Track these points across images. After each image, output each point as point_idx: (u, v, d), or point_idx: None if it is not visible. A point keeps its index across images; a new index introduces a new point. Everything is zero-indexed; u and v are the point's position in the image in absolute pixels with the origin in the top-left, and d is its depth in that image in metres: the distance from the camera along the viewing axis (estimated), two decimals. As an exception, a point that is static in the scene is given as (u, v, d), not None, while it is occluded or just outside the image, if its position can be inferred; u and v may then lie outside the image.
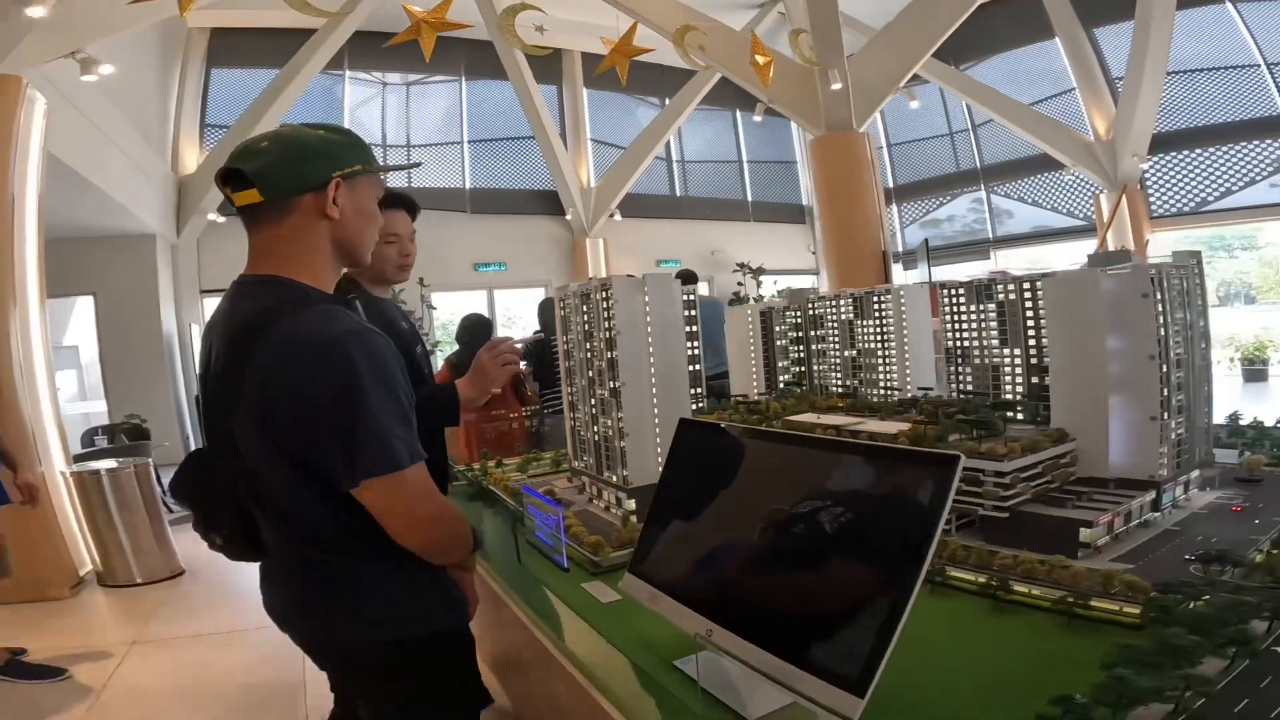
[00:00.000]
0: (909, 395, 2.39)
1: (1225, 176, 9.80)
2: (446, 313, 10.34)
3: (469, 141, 10.65)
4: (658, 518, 1.39)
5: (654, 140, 10.46)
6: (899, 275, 10.57)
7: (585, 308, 2.33)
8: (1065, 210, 11.58)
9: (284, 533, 1.19)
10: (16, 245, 4.16)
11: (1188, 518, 1.68)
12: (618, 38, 5.40)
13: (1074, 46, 10.35)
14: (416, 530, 1.15)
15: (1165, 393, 1.65)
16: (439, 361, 6.35)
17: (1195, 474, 1.80)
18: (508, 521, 2.20)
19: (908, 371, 2.52)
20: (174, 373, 8.45)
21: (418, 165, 1.63)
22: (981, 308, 2.11)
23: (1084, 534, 1.44)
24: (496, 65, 9.25)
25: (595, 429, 2.35)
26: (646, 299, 2.17)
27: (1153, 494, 1.63)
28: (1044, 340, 1.91)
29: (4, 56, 3.70)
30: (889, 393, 2.45)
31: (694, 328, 2.57)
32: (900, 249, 13.69)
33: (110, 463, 4.55)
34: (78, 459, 4.80)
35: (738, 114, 12.78)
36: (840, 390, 2.69)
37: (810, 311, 2.85)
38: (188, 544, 4.51)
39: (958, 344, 2.20)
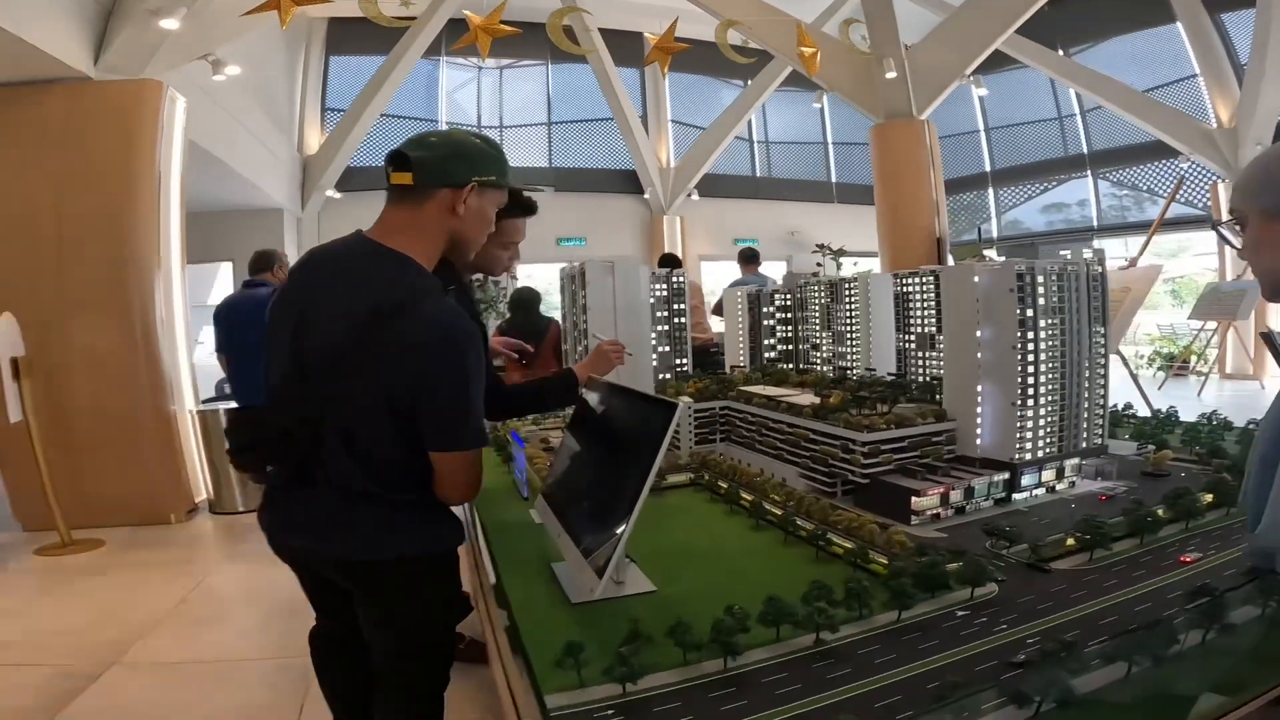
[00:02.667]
0: (861, 375, 2.64)
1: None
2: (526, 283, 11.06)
3: (553, 123, 11.20)
4: (560, 452, 1.81)
5: (734, 121, 10.60)
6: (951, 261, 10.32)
7: (572, 287, 2.74)
8: (1181, 199, 10.74)
9: (353, 466, 1.36)
10: (161, 219, 5.05)
11: (1051, 502, 1.85)
12: (703, 20, 5.65)
13: (1196, 31, 9.59)
14: (460, 490, 1.44)
15: (1027, 381, 1.86)
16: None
17: (1075, 461, 1.97)
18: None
19: (871, 354, 2.75)
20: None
21: (549, 189, 1.99)
22: (924, 297, 2.35)
23: (914, 502, 1.71)
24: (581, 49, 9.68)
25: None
26: (615, 282, 2.54)
27: (1006, 475, 1.85)
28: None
29: (146, 63, 4.51)
30: (836, 370, 2.71)
31: (680, 305, 2.94)
32: (995, 234, 13.15)
33: (231, 404, 5.38)
34: (205, 402, 5.67)
35: (824, 97, 12.62)
36: (808, 368, 2.96)
37: (799, 295, 3.12)
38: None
39: (906, 329, 2.44)
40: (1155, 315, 11.91)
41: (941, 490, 1.76)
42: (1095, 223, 11.90)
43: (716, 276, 11.50)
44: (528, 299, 5.06)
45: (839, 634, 1.14)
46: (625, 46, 9.67)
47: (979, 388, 1.93)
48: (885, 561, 1.41)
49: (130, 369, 4.84)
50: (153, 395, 4.94)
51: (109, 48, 4.43)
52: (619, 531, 1.23)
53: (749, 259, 6.64)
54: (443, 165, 1.40)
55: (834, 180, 12.99)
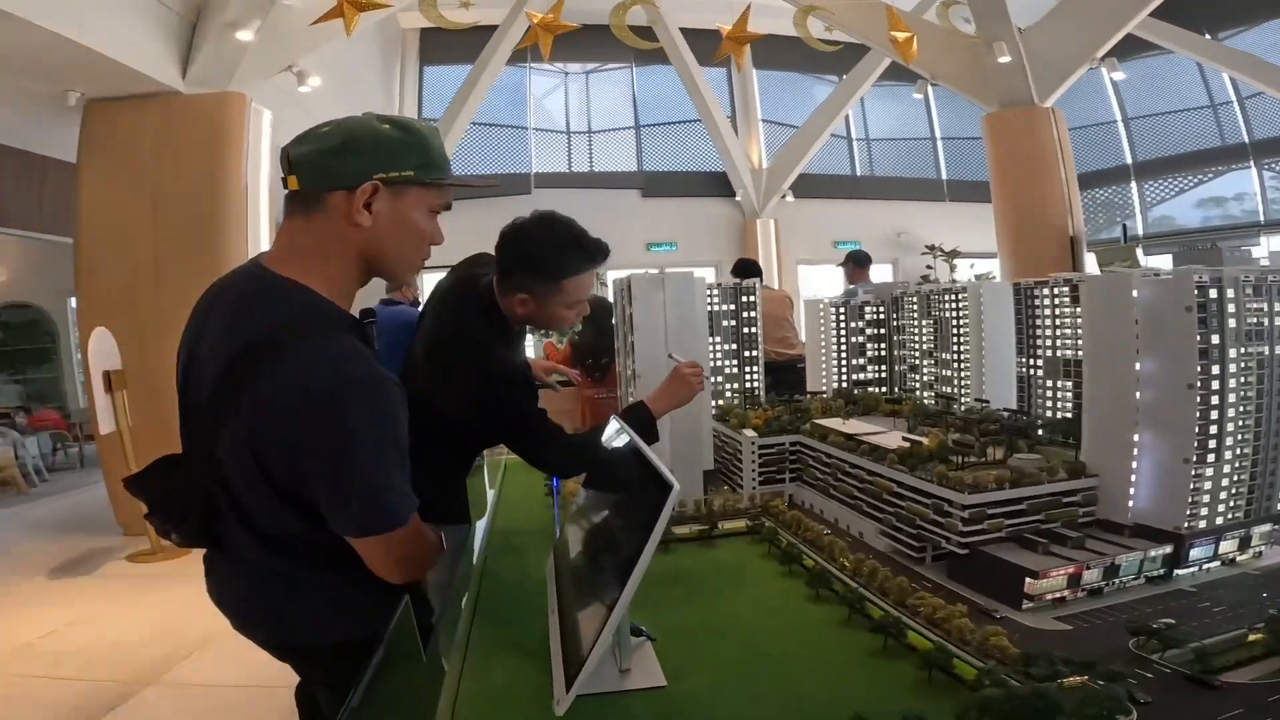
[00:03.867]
0: (969, 407, 2.15)
1: None
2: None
3: (641, 126, 10.95)
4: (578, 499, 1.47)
5: (828, 119, 9.97)
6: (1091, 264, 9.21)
7: (621, 302, 2.41)
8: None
9: (251, 539, 1.12)
10: (250, 225, 5.17)
11: (1228, 579, 1.37)
12: (789, 14, 5.25)
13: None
14: (398, 573, 1.12)
15: (1209, 430, 1.36)
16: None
17: (1267, 528, 1.45)
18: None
19: (984, 381, 2.25)
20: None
21: (494, 185, 1.65)
22: (1058, 313, 1.86)
23: (1030, 585, 1.25)
24: (662, 51, 9.38)
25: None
26: (665, 295, 2.19)
27: (1169, 548, 1.36)
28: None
29: (231, 77, 4.60)
30: (939, 399, 2.23)
31: (752, 314, 2.56)
32: (1141, 231, 11.81)
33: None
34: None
35: (929, 89, 11.70)
36: (907, 393, 2.50)
37: (896, 306, 2.66)
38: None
39: (1030, 353, 1.95)
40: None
41: (1071, 570, 1.30)
42: (1262, 217, 10.33)
43: (815, 282, 10.88)
44: (600, 308, 4.79)
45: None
46: (709, 46, 9.30)
47: (1135, 436, 1.43)
48: (975, 669, 1.01)
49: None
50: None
51: (194, 62, 4.56)
52: (589, 646, 0.88)
53: (859, 263, 5.95)
54: (326, 162, 1.06)
55: (944, 177, 12.01)
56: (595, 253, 1.69)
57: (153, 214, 4.83)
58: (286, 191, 1.11)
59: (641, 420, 1.70)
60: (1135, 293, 1.42)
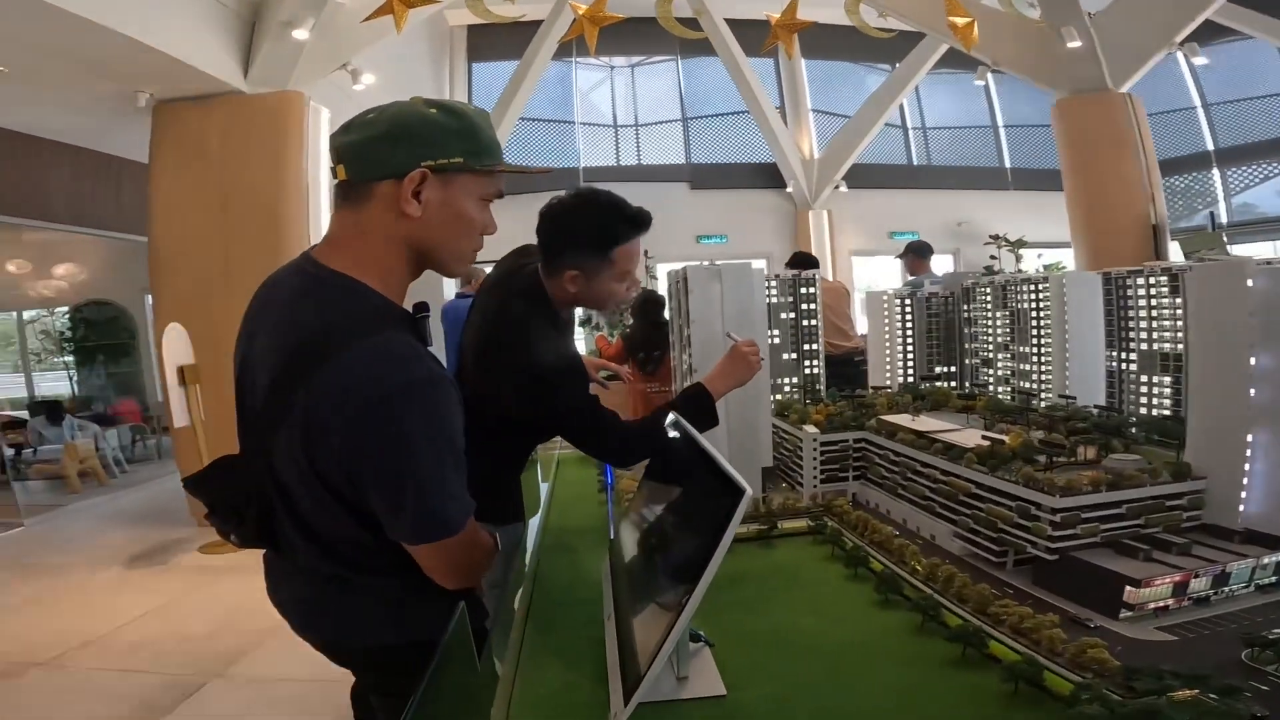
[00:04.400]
0: (1053, 405, 2.01)
1: None
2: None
3: (688, 119, 10.82)
4: (636, 497, 1.42)
5: (882, 108, 9.68)
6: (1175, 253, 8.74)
7: (677, 295, 2.34)
8: None
9: (306, 543, 1.10)
10: (312, 223, 5.28)
11: None
12: (839, 3, 5.11)
13: None
14: (453, 579, 1.09)
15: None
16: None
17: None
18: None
19: (1068, 376, 2.11)
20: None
21: (546, 171, 1.60)
22: (1155, 304, 1.71)
23: (1130, 594, 1.14)
24: (708, 43, 9.24)
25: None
26: (722, 288, 2.11)
27: (1287, 558, 1.23)
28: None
29: (290, 75, 4.71)
30: (1018, 396, 2.10)
31: (812, 306, 2.47)
32: (1226, 220, 11.19)
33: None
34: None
35: (990, 76, 11.23)
36: (980, 389, 2.36)
37: (967, 297, 2.53)
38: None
39: (1123, 346, 1.81)
40: None
41: (1178, 578, 1.19)
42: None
43: (869, 274, 10.59)
44: (651, 301, 4.74)
45: None
46: (755, 37, 9.11)
47: (1249, 436, 1.30)
48: (1070, 683, 0.92)
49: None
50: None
51: (255, 61, 4.67)
52: (649, 656, 0.82)
53: (920, 254, 5.67)
54: (373, 150, 1.02)
55: (1008, 165, 11.52)
56: (640, 220, 1.65)
57: (221, 212, 4.98)
58: (335, 182, 1.08)
59: (700, 402, 1.65)
60: (1250, 282, 1.28)
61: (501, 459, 1.81)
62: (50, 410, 7.35)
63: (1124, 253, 5.67)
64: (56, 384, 9.01)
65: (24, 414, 7.76)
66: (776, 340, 2.33)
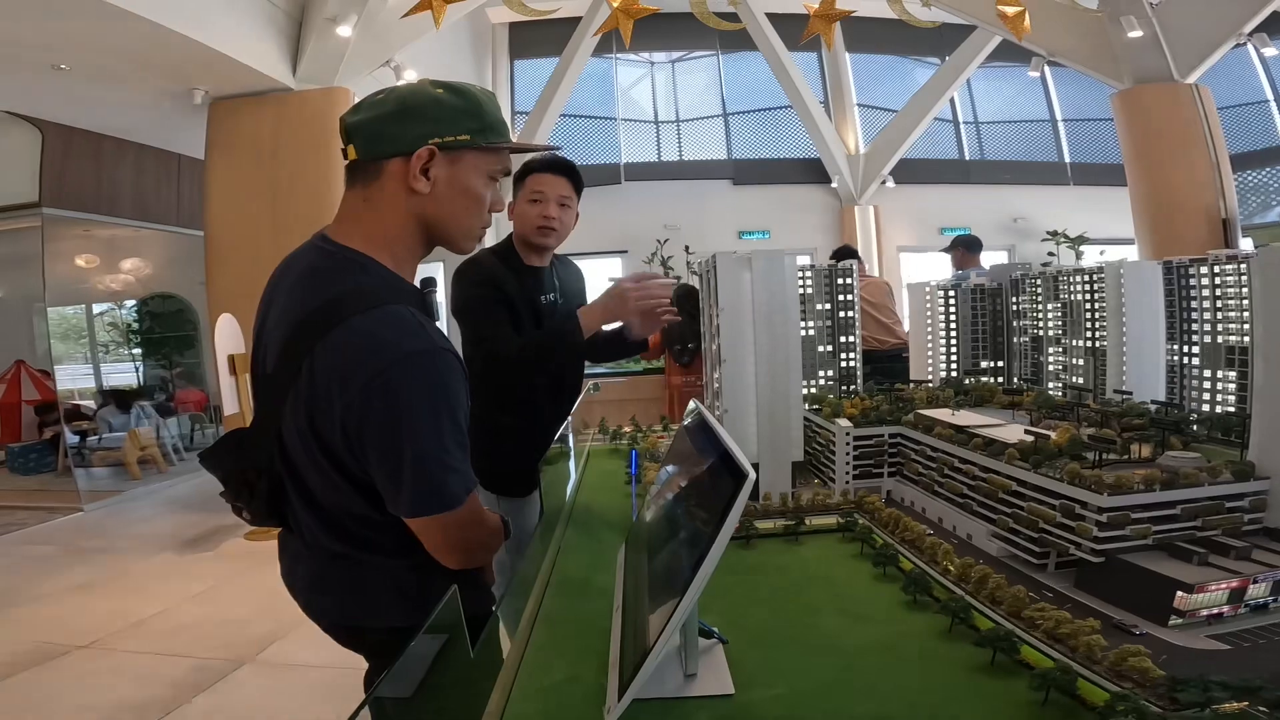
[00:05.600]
0: (1108, 400, 1.90)
1: None
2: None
3: (729, 114, 10.70)
4: (658, 482, 1.38)
5: (930, 102, 9.41)
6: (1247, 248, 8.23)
7: (708, 282, 2.29)
8: None
9: (314, 520, 1.11)
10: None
11: None
12: None
13: None
14: (455, 555, 1.08)
15: None
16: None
17: None
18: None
19: (1125, 371, 1.98)
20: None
21: (553, 149, 1.71)
22: (1220, 294, 1.59)
23: (1181, 599, 1.05)
24: (749, 37, 9.11)
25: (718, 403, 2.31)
26: (753, 276, 2.04)
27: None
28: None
29: (336, 72, 4.81)
30: (1069, 391, 1.98)
31: (848, 297, 2.39)
32: (1300, 215, 10.52)
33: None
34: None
35: (1045, 69, 10.80)
36: (1029, 384, 2.25)
37: (1015, 289, 2.42)
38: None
39: (1184, 338, 1.69)
40: None
41: (1234, 584, 1.09)
42: None
43: (918, 270, 10.31)
44: (686, 296, 4.68)
45: None
46: (796, 30, 8.94)
47: (1323, 434, 1.18)
48: (1106, 692, 0.85)
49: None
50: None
51: (302, 59, 4.79)
52: (647, 650, 0.78)
53: (969, 248, 5.46)
54: (382, 128, 1.05)
55: (1068, 160, 11.06)
56: (545, 158, 2.05)
57: (272, 207, 5.12)
58: (346, 162, 1.11)
59: (566, 330, 1.87)
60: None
61: (515, 430, 1.85)
62: (119, 399, 7.68)
63: (1191, 249, 5.39)
64: (124, 375, 9.41)
65: (90, 403, 8.13)
66: (811, 332, 2.25)
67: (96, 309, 9.30)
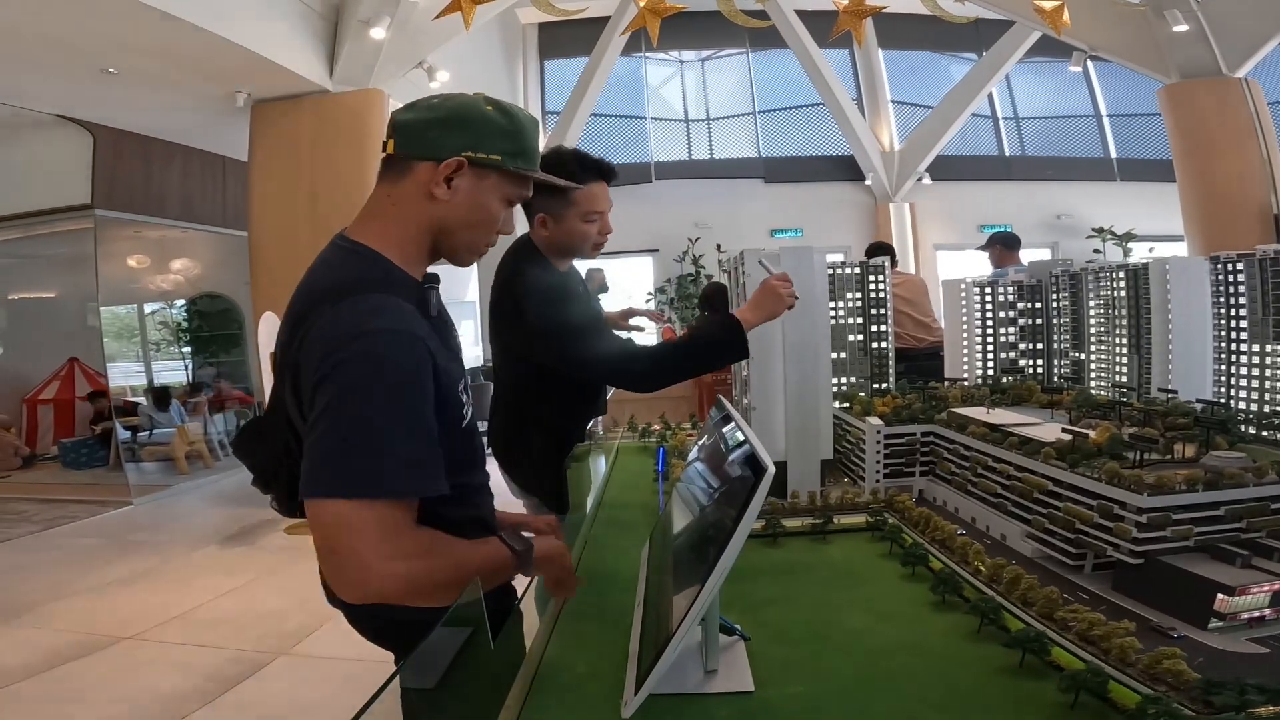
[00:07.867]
0: (1161, 397, 1.83)
1: None
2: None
3: (760, 112, 10.60)
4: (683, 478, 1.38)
5: (968, 98, 9.19)
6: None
7: (736, 278, 2.27)
8: None
9: None
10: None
11: None
12: None
13: None
14: (331, 569, 0.96)
15: None
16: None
17: None
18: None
19: (1170, 370, 1.92)
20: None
21: (576, 187, 1.76)
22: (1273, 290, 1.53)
23: (1222, 601, 1.01)
24: (779, 35, 9.01)
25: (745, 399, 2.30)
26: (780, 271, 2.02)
27: None
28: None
29: (371, 74, 4.90)
30: (1112, 389, 1.92)
31: (881, 293, 2.37)
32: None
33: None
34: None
35: (1089, 64, 10.46)
36: (1069, 382, 2.19)
37: (1054, 286, 2.36)
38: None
39: (1230, 336, 1.63)
40: None
41: (1278, 586, 1.06)
42: None
43: (956, 268, 10.10)
44: (718, 293, 4.68)
45: None
46: (827, 27, 8.80)
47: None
48: (1138, 695, 0.82)
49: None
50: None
51: (338, 61, 4.89)
52: (664, 645, 0.77)
53: (1007, 245, 5.30)
54: (425, 131, 1.06)
55: (1114, 156, 10.70)
56: (599, 165, 1.90)
57: (311, 208, 5.25)
58: (383, 155, 1.12)
59: (729, 332, 1.73)
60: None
61: (546, 442, 1.83)
62: (158, 396, 7.94)
63: (1242, 245, 5.19)
64: (174, 373, 9.72)
65: (142, 400, 8.42)
66: (846, 323, 2.21)
67: (148, 308, 9.63)
